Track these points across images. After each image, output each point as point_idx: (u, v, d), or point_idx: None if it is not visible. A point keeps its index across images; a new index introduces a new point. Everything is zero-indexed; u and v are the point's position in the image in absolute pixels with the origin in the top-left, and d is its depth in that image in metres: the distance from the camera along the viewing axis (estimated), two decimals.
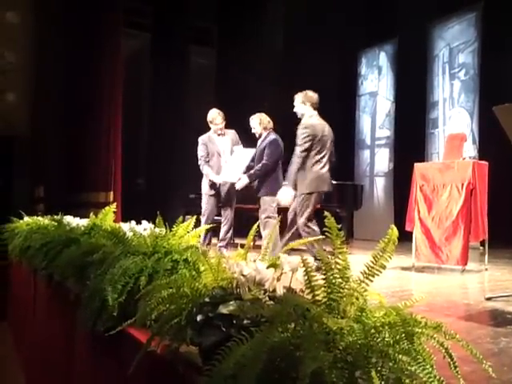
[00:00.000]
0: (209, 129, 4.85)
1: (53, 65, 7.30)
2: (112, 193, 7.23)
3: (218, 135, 4.78)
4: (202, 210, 4.78)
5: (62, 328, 2.12)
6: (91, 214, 2.70)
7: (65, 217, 2.88)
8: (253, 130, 4.76)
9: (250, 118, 4.77)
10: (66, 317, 2.01)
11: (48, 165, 7.29)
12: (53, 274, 2.13)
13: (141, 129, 9.98)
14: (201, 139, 4.82)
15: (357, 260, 0.93)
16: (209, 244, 4.58)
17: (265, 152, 4.57)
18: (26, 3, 7.49)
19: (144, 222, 1.97)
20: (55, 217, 2.94)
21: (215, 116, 4.74)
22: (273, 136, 4.65)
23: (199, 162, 4.78)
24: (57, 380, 2.23)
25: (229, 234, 4.73)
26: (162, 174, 9.30)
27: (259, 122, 4.69)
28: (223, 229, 4.75)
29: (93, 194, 7.16)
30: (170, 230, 1.71)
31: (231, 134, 4.84)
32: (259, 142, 4.73)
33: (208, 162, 4.74)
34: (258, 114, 4.76)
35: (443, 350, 0.82)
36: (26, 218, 3.88)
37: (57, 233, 2.48)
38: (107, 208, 2.65)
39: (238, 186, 4.62)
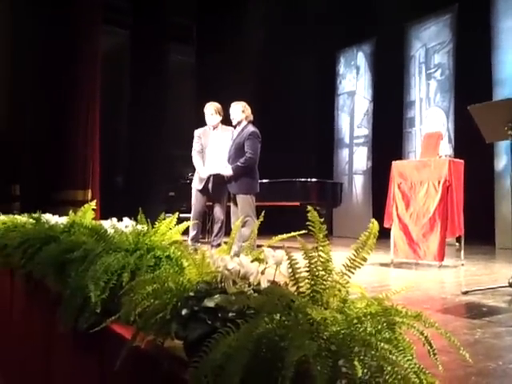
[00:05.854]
0: (203, 123, 4.77)
1: (29, 61, 7.16)
2: (90, 191, 7.14)
3: (213, 129, 4.65)
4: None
5: (41, 327, 2.09)
6: (70, 211, 2.66)
7: (43, 214, 2.83)
8: (232, 117, 4.53)
9: (232, 104, 4.53)
10: (45, 315, 1.99)
11: (24, 162, 7.15)
12: (31, 272, 2.09)
13: (120, 126, 9.87)
14: (196, 131, 4.73)
15: (337, 256, 0.95)
16: (197, 241, 4.43)
17: (246, 144, 4.38)
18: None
19: (125, 219, 1.95)
20: (33, 215, 2.88)
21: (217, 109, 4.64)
22: (252, 128, 4.46)
23: (192, 154, 4.68)
24: (36, 380, 2.20)
25: (221, 233, 4.55)
26: (141, 171, 9.21)
27: (242, 110, 4.47)
28: (215, 227, 4.61)
29: (70, 192, 7.06)
30: (152, 227, 1.70)
31: (229, 131, 4.65)
32: (236, 132, 4.53)
33: (202, 154, 4.61)
34: (241, 102, 4.54)
35: (423, 339, 0.85)
36: (2, 217, 3.79)
37: (35, 231, 2.44)
38: (86, 206, 2.61)
39: (226, 173, 4.42)
